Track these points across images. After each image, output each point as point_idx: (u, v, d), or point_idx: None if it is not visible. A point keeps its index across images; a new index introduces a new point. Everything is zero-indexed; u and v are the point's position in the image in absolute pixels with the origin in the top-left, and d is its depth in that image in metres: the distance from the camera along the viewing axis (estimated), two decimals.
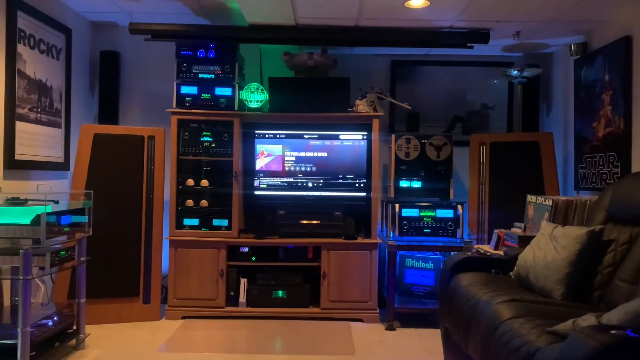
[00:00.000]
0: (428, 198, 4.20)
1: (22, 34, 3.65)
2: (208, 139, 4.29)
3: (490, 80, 4.86)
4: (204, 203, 4.29)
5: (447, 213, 4.15)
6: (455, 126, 4.90)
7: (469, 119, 4.90)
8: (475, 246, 3.74)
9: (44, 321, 3.18)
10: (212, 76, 4.22)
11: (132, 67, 4.73)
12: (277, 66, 4.48)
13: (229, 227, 4.25)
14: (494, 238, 3.49)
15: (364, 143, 4.34)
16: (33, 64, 3.80)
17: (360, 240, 4.22)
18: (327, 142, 4.38)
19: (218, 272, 4.15)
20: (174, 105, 4.23)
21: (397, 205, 4.13)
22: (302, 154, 4.38)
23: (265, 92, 4.35)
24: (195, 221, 4.27)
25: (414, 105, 4.64)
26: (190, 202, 4.28)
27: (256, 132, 4.39)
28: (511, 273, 2.91)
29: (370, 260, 4.14)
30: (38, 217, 2.92)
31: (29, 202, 3.18)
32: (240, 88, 4.36)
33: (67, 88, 4.27)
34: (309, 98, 4.24)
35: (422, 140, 4.28)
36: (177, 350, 3.49)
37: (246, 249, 4.25)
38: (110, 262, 4.03)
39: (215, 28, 4.24)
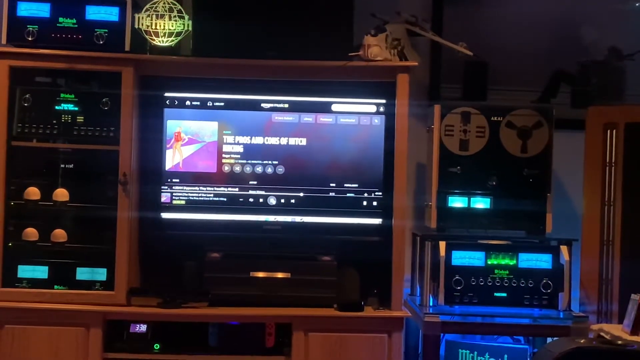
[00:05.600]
0: (503, 231, 3.27)
1: None
2: (70, 107, 3.17)
3: (628, 4, 3.75)
4: (59, 235, 3.23)
5: (541, 261, 3.18)
6: (558, 90, 3.66)
7: (585, 77, 3.69)
8: (595, 326, 2.99)
9: None
10: None
11: None
12: None
13: (108, 284, 3.19)
14: (632, 310, 2.89)
15: (379, 120, 3.32)
16: None
17: (370, 312, 3.24)
18: (308, 119, 3.33)
19: None
20: (3, 40, 3.17)
21: (442, 245, 3.18)
22: (259, 140, 3.29)
23: (187, 18, 3.27)
24: (41, 271, 3.19)
25: (479, 50, 3.45)
26: (31, 233, 3.23)
27: (167, 95, 3.28)
28: None
29: (388, 350, 3.07)
30: None
31: None
32: (137, 9, 3.27)
33: None
34: (272, 30, 3.14)
35: (494, 118, 3.22)
36: None
37: (143, 328, 3.14)
38: None
39: None
